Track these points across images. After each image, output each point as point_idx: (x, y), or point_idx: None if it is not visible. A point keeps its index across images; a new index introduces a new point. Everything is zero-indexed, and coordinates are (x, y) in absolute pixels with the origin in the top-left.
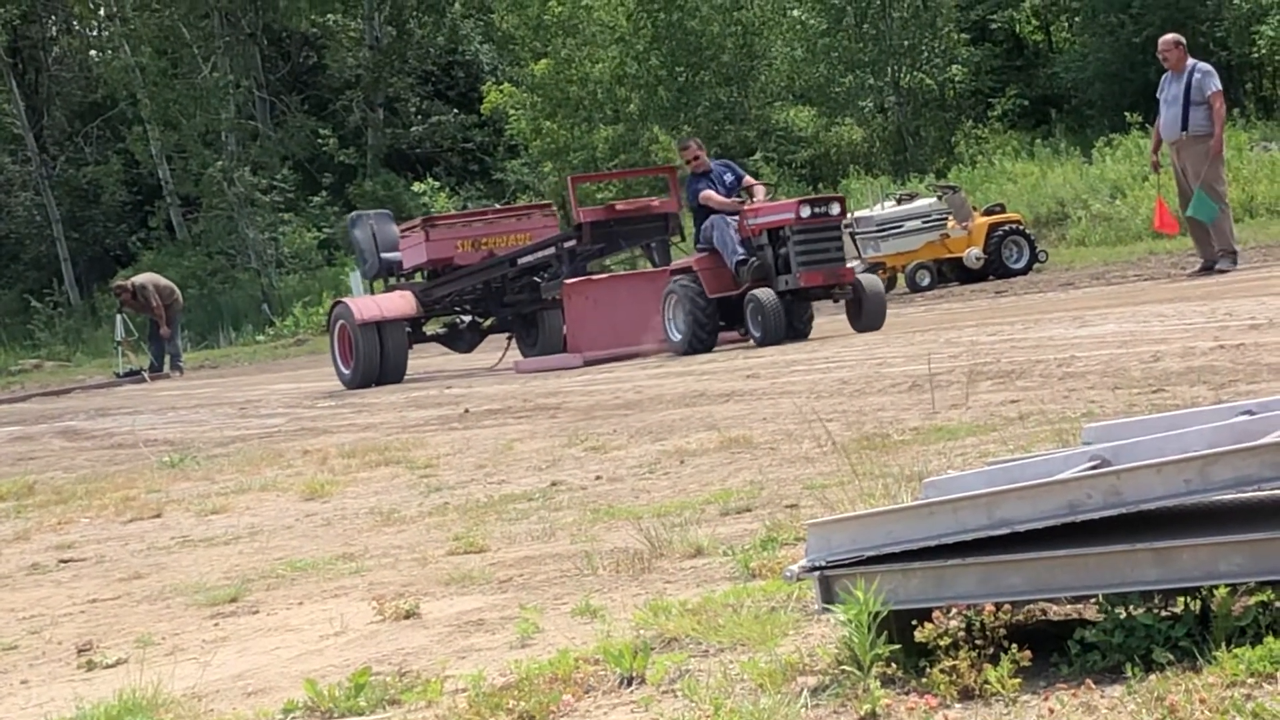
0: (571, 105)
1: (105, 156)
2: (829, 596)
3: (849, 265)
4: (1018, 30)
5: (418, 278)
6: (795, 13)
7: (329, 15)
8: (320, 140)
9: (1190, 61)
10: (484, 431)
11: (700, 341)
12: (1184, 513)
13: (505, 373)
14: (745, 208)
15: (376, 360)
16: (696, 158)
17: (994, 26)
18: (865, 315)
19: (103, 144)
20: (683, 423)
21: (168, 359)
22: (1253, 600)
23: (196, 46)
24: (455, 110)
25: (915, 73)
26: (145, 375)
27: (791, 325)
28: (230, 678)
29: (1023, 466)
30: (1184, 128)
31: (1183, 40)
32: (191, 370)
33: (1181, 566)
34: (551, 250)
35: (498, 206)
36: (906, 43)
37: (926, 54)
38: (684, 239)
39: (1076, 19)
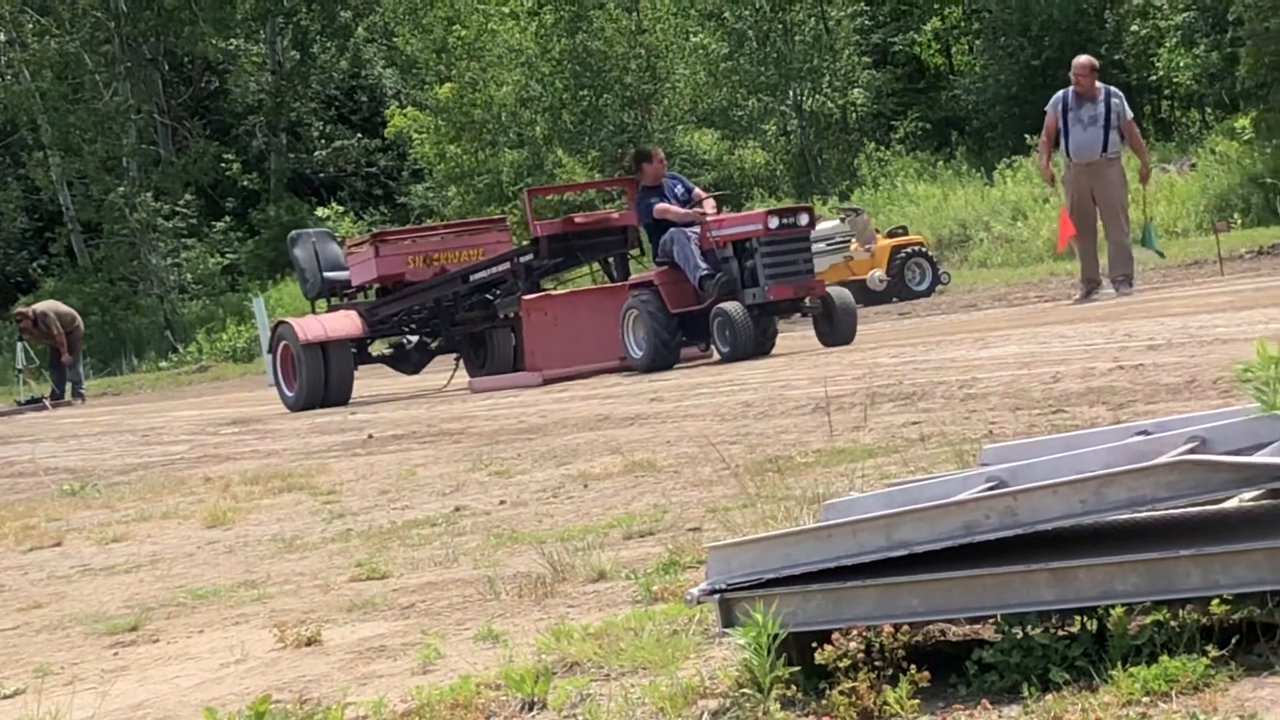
0: (476, 129)
1: (5, 183)
2: (729, 619)
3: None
4: (919, 53)
5: (362, 297)
6: (698, 38)
7: (231, 40)
8: (223, 165)
9: (1100, 85)
10: (387, 457)
11: (663, 358)
12: (1080, 533)
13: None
14: (707, 219)
15: (321, 382)
16: (661, 161)
17: (895, 50)
18: (836, 329)
19: (2, 170)
20: (587, 447)
21: (69, 386)
22: (1148, 620)
23: (98, 72)
24: (359, 135)
25: (817, 96)
26: (47, 403)
27: (757, 340)
28: (129, 707)
29: (921, 488)
30: (1104, 149)
31: (1097, 64)
32: (93, 397)
33: (1078, 586)
34: (506, 266)
35: (449, 221)
36: (808, 66)
37: (828, 77)
38: (644, 253)
39: (977, 42)
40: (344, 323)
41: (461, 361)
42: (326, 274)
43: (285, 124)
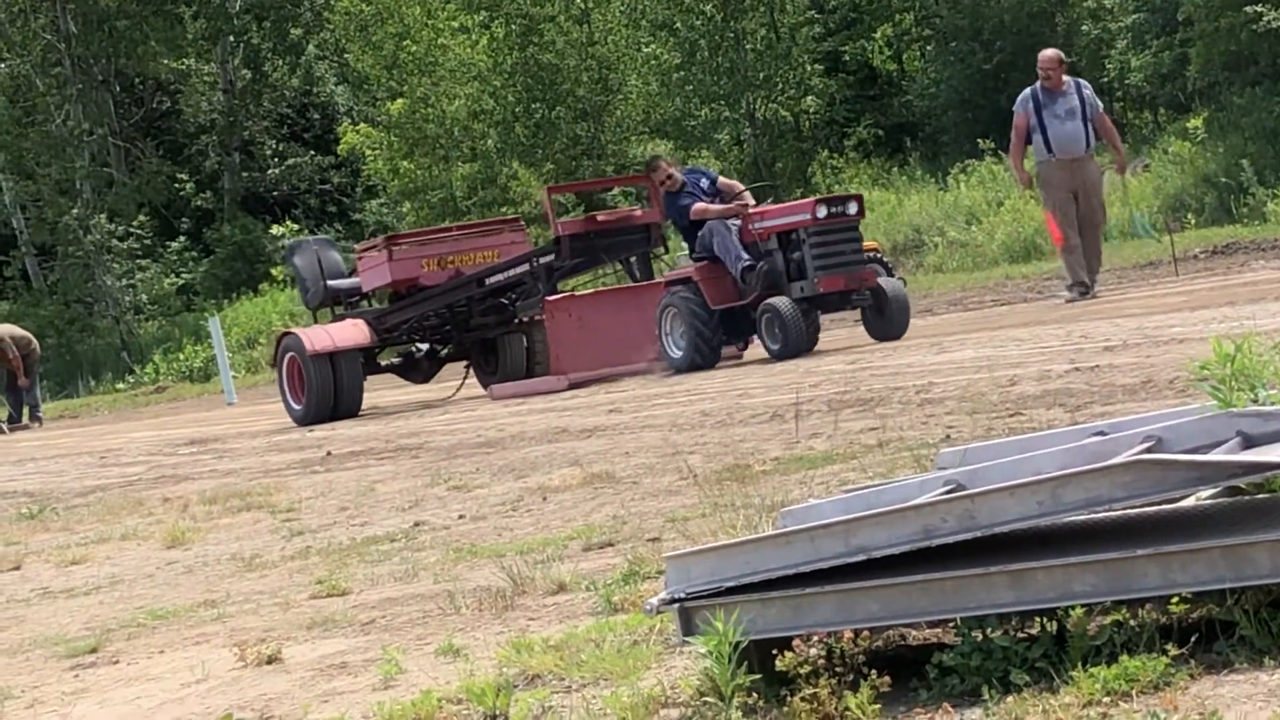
0: (429, 144)
1: None
2: (689, 628)
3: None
4: (871, 60)
5: (364, 305)
6: (649, 48)
7: (183, 60)
8: (176, 185)
9: (1068, 78)
10: (346, 473)
11: (703, 357)
12: (1038, 534)
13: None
14: (749, 211)
15: (330, 393)
16: (670, 178)
17: (847, 57)
18: (888, 322)
19: None
20: (545, 459)
21: (26, 410)
22: (1107, 620)
23: (49, 95)
24: (312, 152)
25: (770, 104)
26: (3, 427)
27: (807, 335)
28: None
29: (879, 493)
30: (1088, 144)
31: (1064, 57)
32: (51, 420)
33: (1036, 588)
34: (524, 268)
35: (463, 222)
36: (761, 74)
37: (781, 85)
38: (667, 251)
39: (928, 47)
40: (352, 332)
41: (473, 369)
42: (329, 282)
43: (238, 143)
